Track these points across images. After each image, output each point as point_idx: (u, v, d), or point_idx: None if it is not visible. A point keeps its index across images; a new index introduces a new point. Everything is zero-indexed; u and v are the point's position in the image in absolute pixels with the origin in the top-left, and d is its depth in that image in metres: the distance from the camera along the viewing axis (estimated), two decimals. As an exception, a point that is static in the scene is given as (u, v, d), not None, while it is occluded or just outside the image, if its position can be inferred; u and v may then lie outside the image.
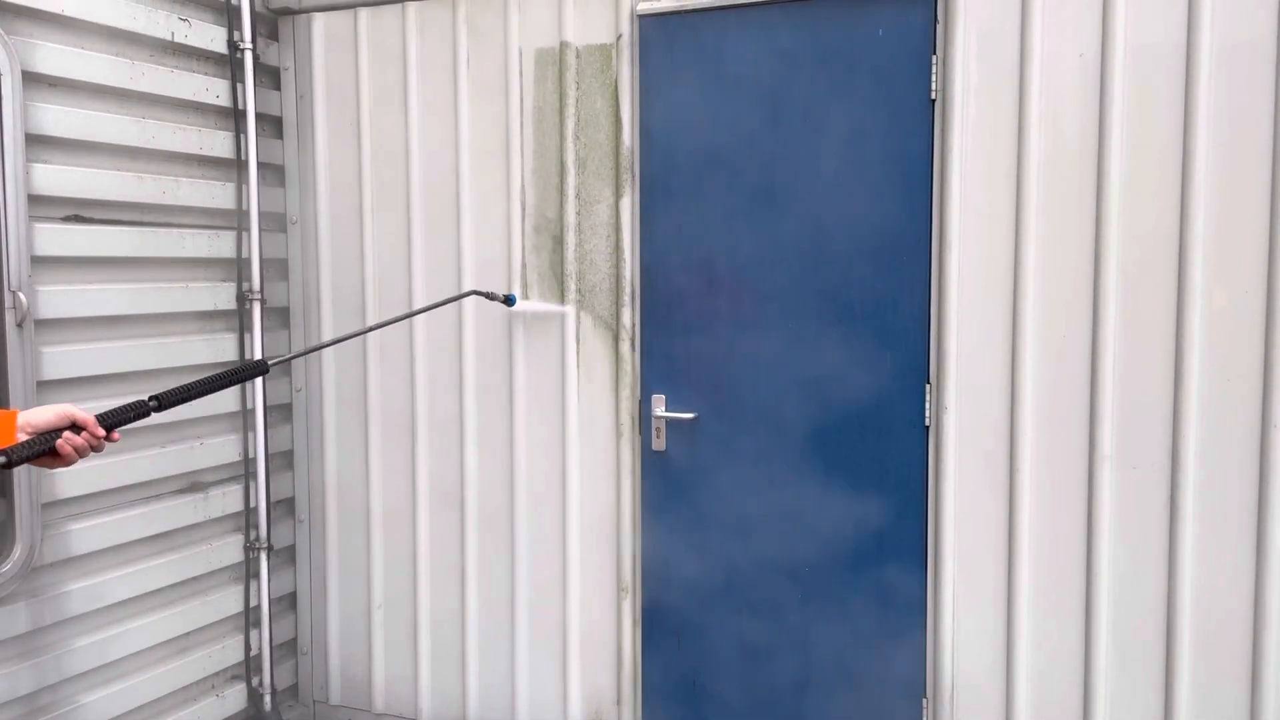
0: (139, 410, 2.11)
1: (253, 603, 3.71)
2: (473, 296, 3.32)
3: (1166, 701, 2.86)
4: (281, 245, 3.81)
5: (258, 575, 3.70)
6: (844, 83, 3.07)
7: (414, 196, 3.59)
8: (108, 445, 2.10)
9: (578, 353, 3.43)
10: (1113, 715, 2.91)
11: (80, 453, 2.03)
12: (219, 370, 2.26)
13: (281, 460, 3.86)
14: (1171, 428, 2.80)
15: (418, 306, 3.59)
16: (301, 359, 3.81)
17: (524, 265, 3.48)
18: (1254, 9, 2.66)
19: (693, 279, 3.28)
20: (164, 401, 2.16)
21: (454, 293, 3.54)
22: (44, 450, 1.97)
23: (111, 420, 2.07)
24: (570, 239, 3.41)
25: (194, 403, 3.37)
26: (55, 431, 1.99)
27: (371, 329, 3.08)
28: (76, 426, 2.02)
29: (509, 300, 3.34)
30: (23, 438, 1.98)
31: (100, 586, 3.16)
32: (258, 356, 3.62)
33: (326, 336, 3.75)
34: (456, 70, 3.50)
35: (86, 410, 2.03)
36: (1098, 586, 2.89)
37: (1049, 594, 2.95)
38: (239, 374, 2.38)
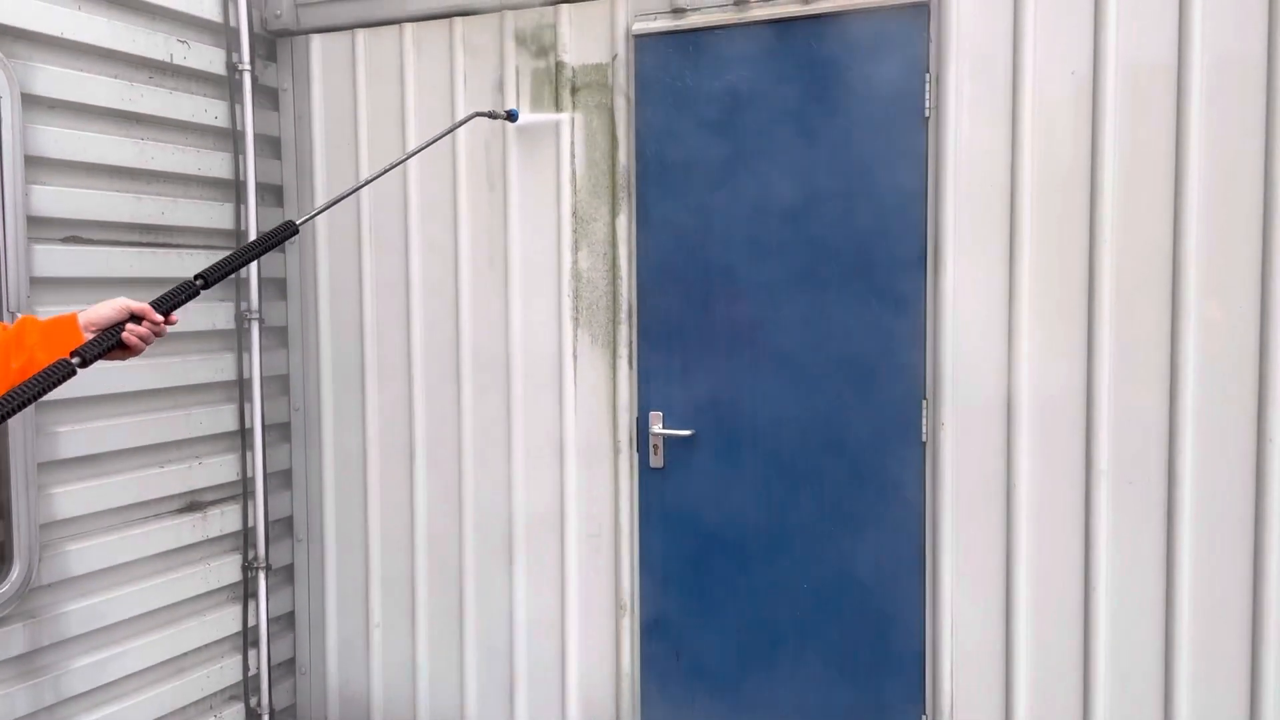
0: (189, 291, 2.19)
1: (251, 622, 3.70)
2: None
3: (1165, 717, 2.85)
4: (280, 265, 3.82)
5: (256, 595, 3.70)
6: (838, 101, 3.08)
7: (412, 216, 3.60)
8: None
9: (575, 370, 3.44)
10: (1113, 732, 2.91)
11: (145, 341, 2.12)
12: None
13: (280, 479, 3.86)
14: (1168, 442, 2.80)
15: (415, 315, 3.60)
16: (300, 373, 3.82)
17: (524, 281, 3.49)
18: (1244, 25, 2.68)
19: (690, 296, 3.29)
20: (209, 279, 2.23)
21: (453, 311, 3.55)
22: (113, 345, 2.06)
23: (167, 305, 2.15)
24: (567, 257, 3.42)
25: (192, 422, 3.44)
26: (119, 325, 2.07)
27: (375, 178, 2.97)
28: (135, 317, 2.10)
29: (511, 116, 3.35)
30: (89, 336, 2.05)
31: (98, 607, 3.16)
32: (256, 368, 3.64)
33: (325, 356, 3.76)
34: (454, 90, 3.52)
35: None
36: (1095, 601, 2.89)
37: (1047, 609, 2.95)
38: (271, 238, 2.42)
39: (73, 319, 2.07)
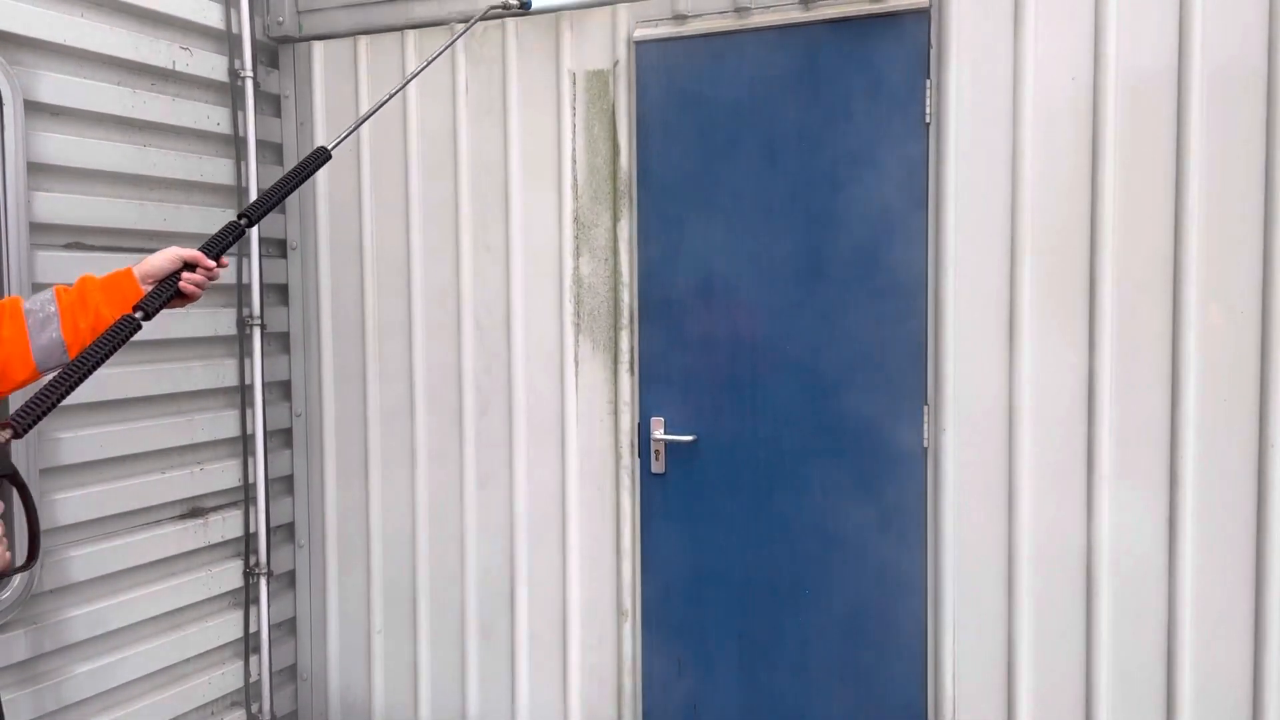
0: (235, 232, 2.20)
1: (252, 628, 3.70)
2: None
3: (1169, 723, 2.85)
4: (282, 271, 3.83)
5: (257, 601, 3.70)
6: (838, 107, 3.09)
7: (414, 221, 3.61)
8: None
9: (576, 376, 3.44)
10: (1115, 737, 2.91)
11: (201, 288, 2.14)
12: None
13: (281, 485, 3.86)
14: (1169, 447, 2.80)
15: (417, 320, 3.60)
16: (302, 379, 3.83)
17: (525, 288, 3.50)
18: (1244, 31, 2.69)
19: (691, 302, 3.29)
20: (252, 217, 2.23)
21: (455, 317, 3.56)
22: (172, 295, 2.08)
23: (216, 249, 2.16)
24: (568, 263, 3.42)
25: (194, 428, 3.44)
26: (175, 275, 2.09)
27: (388, 98, 2.82)
28: (189, 265, 2.11)
29: (525, 5, 3.21)
30: (147, 289, 2.07)
31: (100, 613, 3.16)
32: (258, 374, 3.64)
33: (327, 362, 3.76)
34: (455, 96, 3.53)
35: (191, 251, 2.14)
36: (1098, 607, 2.88)
37: (1049, 615, 2.94)
38: (307, 166, 2.41)
39: (129, 273, 2.09)
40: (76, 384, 1.81)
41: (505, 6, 3.19)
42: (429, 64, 2.92)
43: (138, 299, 2.03)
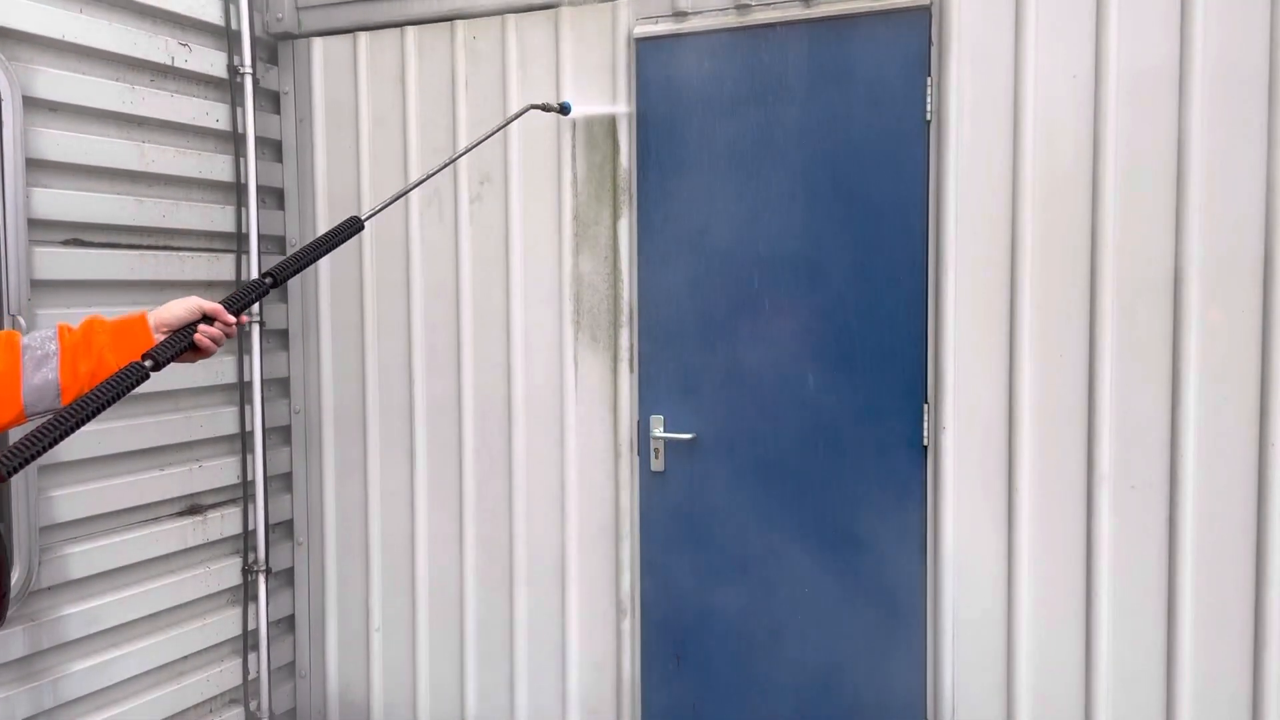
0: (259, 289, 2.15)
1: (251, 626, 3.70)
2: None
3: (1168, 723, 2.85)
4: (281, 268, 3.82)
5: (256, 598, 3.69)
6: (839, 104, 3.08)
7: (413, 218, 3.60)
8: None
9: (576, 373, 3.43)
10: (1115, 737, 2.90)
11: (217, 342, 2.05)
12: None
13: (280, 483, 3.86)
14: (1169, 447, 2.79)
15: (416, 318, 3.60)
16: (301, 376, 3.82)
17: (525, 285, 3.49)
18: (1245, 31, 2.68)
19: (691, 300, 3.29)
20: (278, 277, 2.18)
21: (454, 314, 3.55)
22: (185, 347, 1.99)
23: (238, 305, 2.10)
24: (568, 260, 3.42)
25: (192, 425, 3.44)
26: (190, 326, 2.01)
27: (432, 174, 2.85)
28: (207, 317, 2.03)
29: (564, 109, 3.25)
30: (160, 338, 1.97)
31: (98, 610, 3.16)
32: (257, 371, 3.64)
33: (326, 358, 3.75)
34: (455, 93, 3.53)
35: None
36: (1098, 607, 2.88)
37: (1049, 615, 2.94)
38: (337, 235, 2.34)
39: (143, 319, 1.99)
40: (73, 429, 1.69)
41: (545, 107, 3.23)
42: (474, 147, 2.97)
43: (148, 347, 1.92)
